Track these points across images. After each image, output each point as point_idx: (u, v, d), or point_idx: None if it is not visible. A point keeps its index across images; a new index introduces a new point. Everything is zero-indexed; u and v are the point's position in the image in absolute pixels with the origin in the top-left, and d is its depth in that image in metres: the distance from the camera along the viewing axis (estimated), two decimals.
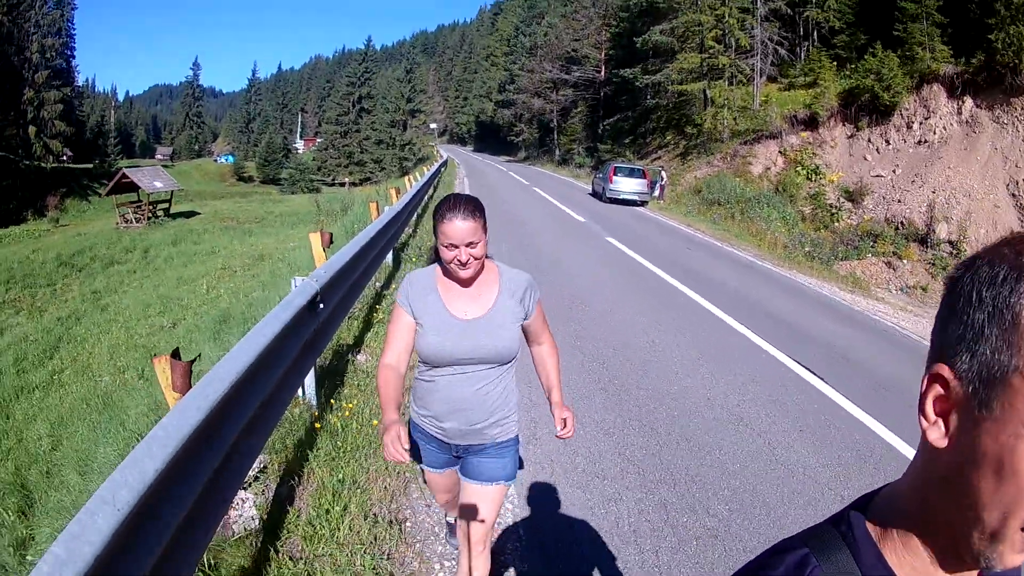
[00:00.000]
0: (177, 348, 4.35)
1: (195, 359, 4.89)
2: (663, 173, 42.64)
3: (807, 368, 10.34)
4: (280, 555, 4.56)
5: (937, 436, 0.96)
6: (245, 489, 5.24)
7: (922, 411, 0.98)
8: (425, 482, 4.65)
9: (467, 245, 3.35)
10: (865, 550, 1.04)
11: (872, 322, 15.50)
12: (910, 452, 7.26)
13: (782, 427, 8.01)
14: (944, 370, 0.95)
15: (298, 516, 5.05)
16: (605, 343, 10.73)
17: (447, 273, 3.57)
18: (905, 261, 28.85)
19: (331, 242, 10.03)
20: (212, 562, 4.28)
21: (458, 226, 3.32)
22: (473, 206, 3.42)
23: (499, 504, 3.83)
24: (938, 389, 0.96)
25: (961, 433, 0.94)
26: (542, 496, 5.98)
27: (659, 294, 14.94)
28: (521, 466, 5.25)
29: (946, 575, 1.00)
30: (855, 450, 7.57)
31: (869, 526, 1.06)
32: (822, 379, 9.90)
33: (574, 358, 9.76)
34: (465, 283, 3.56)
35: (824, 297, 17.79)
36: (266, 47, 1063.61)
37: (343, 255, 8.07)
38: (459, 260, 3.38)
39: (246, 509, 4.99)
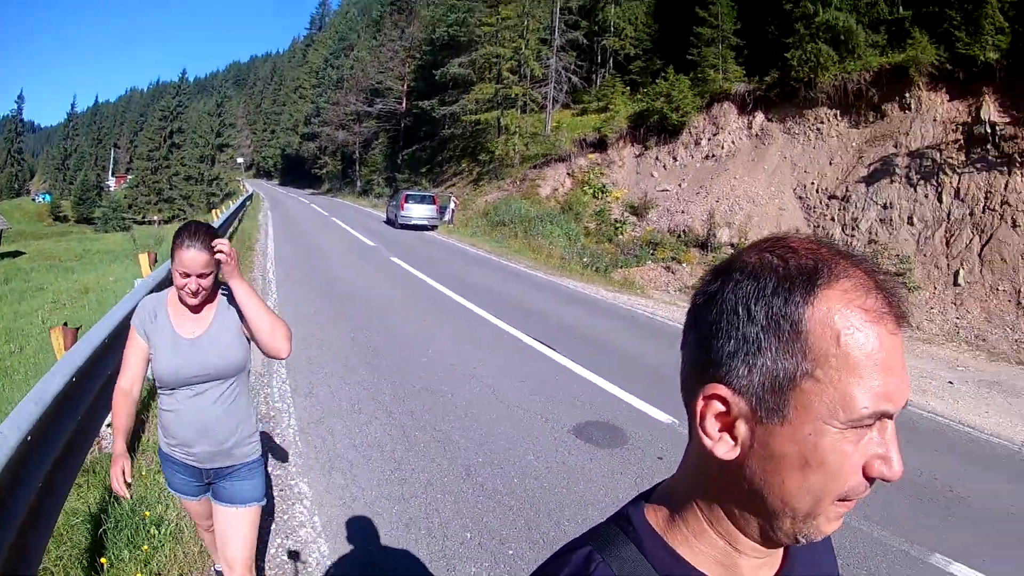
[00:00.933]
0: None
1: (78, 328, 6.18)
2: (453, 199, 44.48)
3: (543, 343, 12.77)
4: None
5: (726, 450, 0.98)
6: None
7: (703, 430, 0.99)
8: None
9: (199, 276, 3.51)
10: (650, 542, 1.05)
11: (624, 312, 18.12)
12: (613, 389, 10.08)
13: (508, 381, 10.37)
14: (720, 389, 0.97)
15: None
16: (378, 334, 12.98)
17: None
18: (685, 264, 28.93)
19: (156, 260, 11.41)
20: None
21: (194, 256, 3.47)
22: (212, 238, 3.54)
23: (256, 526, 3.94)
24: (717, 407, 0.98)
25: (754, 442, 0.96)
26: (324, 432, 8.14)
27: (431, 299, 17.40)
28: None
29: (752, 557, 1.04)
30: (567, 391, 9.96)
31: (651, 520, 1.08)
32: (553, 349, 12.36)
33: (351, 348, 11.93)
34: (194, 310, 3.69)
35: (584, 296, 20.43)
36: (86, 78, 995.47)
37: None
38: (189, 289, 3.53)
39: None
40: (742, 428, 0.97)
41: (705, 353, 0.99)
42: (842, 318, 0.91)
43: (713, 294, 0.99)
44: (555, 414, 9.05)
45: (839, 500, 0.95)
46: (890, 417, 0.94)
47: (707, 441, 0.98)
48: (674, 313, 18.46)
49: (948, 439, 9.60)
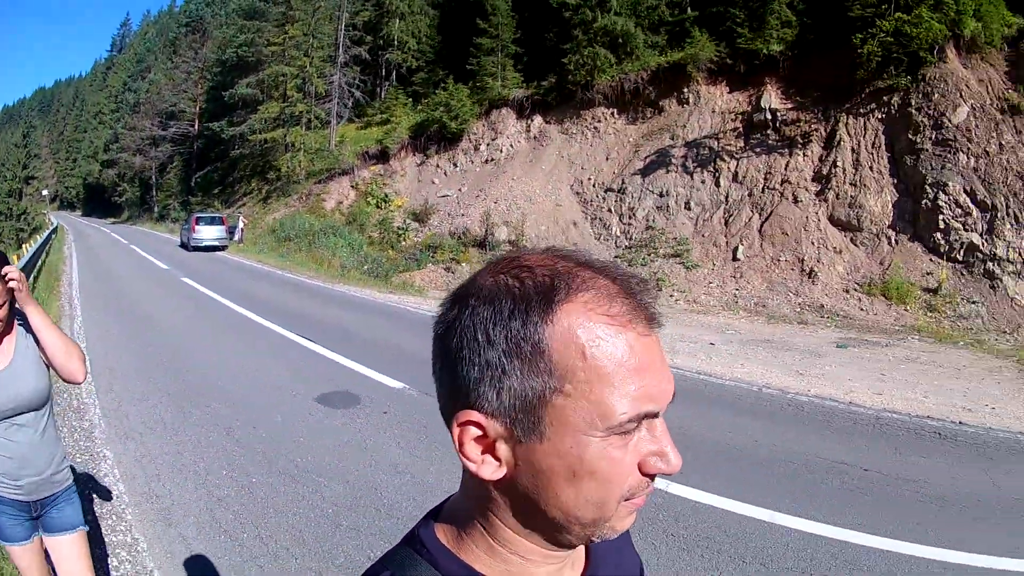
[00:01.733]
0: None
1: None
2: (241, 218, 44.38)
3: (307, 338, 13.81)
4: None
5: (491, 471, 0.93)
6: None
7: (465, 455, 0.94)
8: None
9: None
10: (444, 560, 1.00)
11: (392, 309, 19.19)
12: (356, 366, 11.55)
13: (275, 369, 11.66)
14: (472, 415, 0.92)
15: None
16: (169, 345, 13.68)
17: None
18: (464, 264, 28.54)
19: None
20: None
21: None
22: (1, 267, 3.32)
23: (88, 549, 3.84)
24: (473, 431, 0.93)
25: (518, 461, 0.91)
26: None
27: (217, 313, 17.93)
28: None
29: (548, 564, 0.99)
30: (319, 372, 11.32)
31: (443, 539, 1.03)
32: (314, 341, 13.48)
33: (141, 353, 12.79)
34: None
35: (357, 298, 21.35)
36: None
37: None
38: None
39: None
40: (503, 449, 0.90)
41: (453, 380, 0.92)
42: (585, 331, 0.86)
43: (452, 322, 0.92)
44: (306, 389, 10.23)
45: (626, 500, 0.91)
46: (656, 416, 0.90)
47: (471, 465, 0.92)
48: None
49: (699, 392, 10.62)
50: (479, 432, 0.91)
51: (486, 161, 34.62)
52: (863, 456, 7.68)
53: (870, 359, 13.67)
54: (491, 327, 0.87)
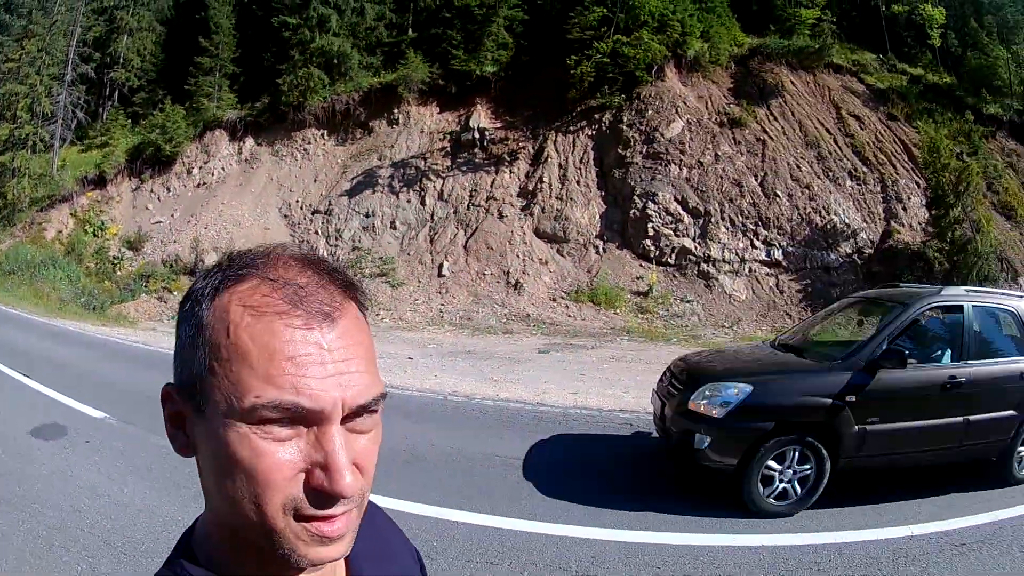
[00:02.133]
0: None
1: None
2: None
3: (21, 373, 12.77)
4: None
5: (178, 446, 0.93)
6: None
7: (166, 430, 0.94)
8: None
9: None
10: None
11: (101, 342, 18.21)
12: (63, 398, 11.10)
13: None
14: (168, 389, 0.93)
15: None
16: None
17: None
18: (175, 292, 27.15)
19: None
20: None
21: None
22: None
23: None
24: (170, 406, 0.93)
25: (195, 440, 0.91)
26: None
27: None
28: None
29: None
30: (32, 404, 10.80)
31: (200, 556, 0.98)
32: (27, 376, 12.54)
33: None
34: None
35: (71, 332, 19.84)
36: None
37: None
38: None
39: None
40: (190, 425, 0.90)
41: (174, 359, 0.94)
42: (236, 312, 0.87)
43: (178, 313, 0.96)
44: (21, 422, 9.55)
45: (298, 518, 0.85)
46: (322, 422, 0.85)
47: (171, 441, 0.93)
48: (148, 338, 18.93)
49: (386, 404, 8.46)
50: (174, 408, 0.91)
51: (198, 185, 32.59)
52: (542, 451, 8.10)
53: (572, 361, 14.41)
54: (186, 306, 0.90)
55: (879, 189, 29.71)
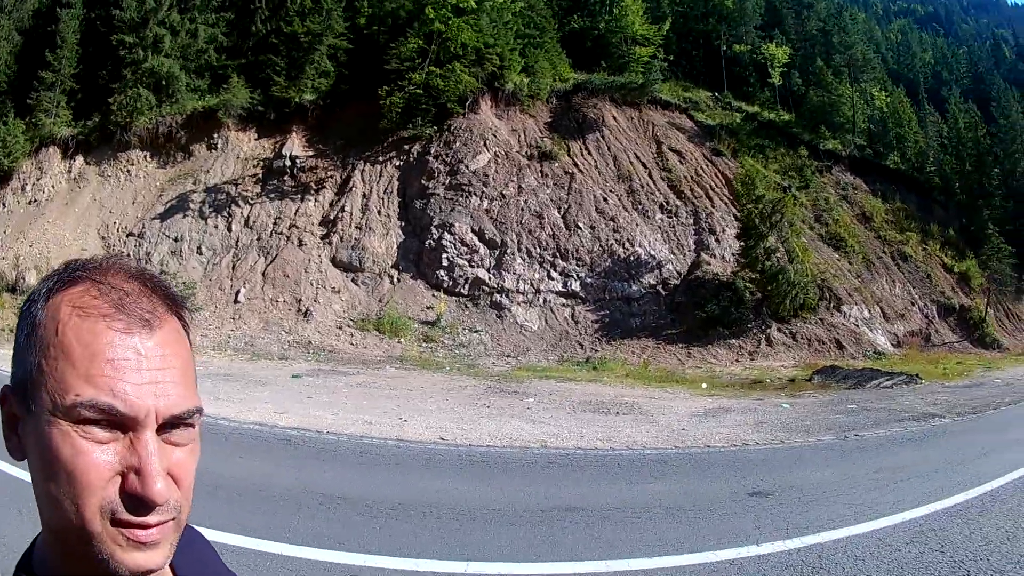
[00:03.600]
0: None
1: None
2: None
3: None
4: None
5: (11, 448, 0.93)
6: None
7: (3, 431, 0.96)
8: None
9: None
10: None
11: None
12: None
13: None
14: (7, 388, 0.94)
15: None
16: None
17: None
18: None
19: None
20: None
21: None
22: None
23: None
24: (6, 408, 0.94)
25: (25, 442, 0.91)
26: None
27: None
28: None
29: None
30: None
31: (39, 571, 0.99)
32: None
33: None
34: None
35: None
36: None
37: None
38: None
39: None
40: (22, 426, 0.92)
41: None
42: (65, 312, 0.90)
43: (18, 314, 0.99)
44: None
45: (115, 523, 0.86)
46: (137, 428, 0.88)
47: (5, 443, 0.93)
48: None
49: None
50: (8, 409, 0.93)
51: (30, 202, 31.68)
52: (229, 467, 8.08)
53: (317, 386, 14.88)
54: (25, 309, 0.94)
55: (691, 221, 30.51)
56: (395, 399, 13.97)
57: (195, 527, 1.08)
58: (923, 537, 6.53)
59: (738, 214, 29.51)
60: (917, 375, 22.83)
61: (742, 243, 28.56)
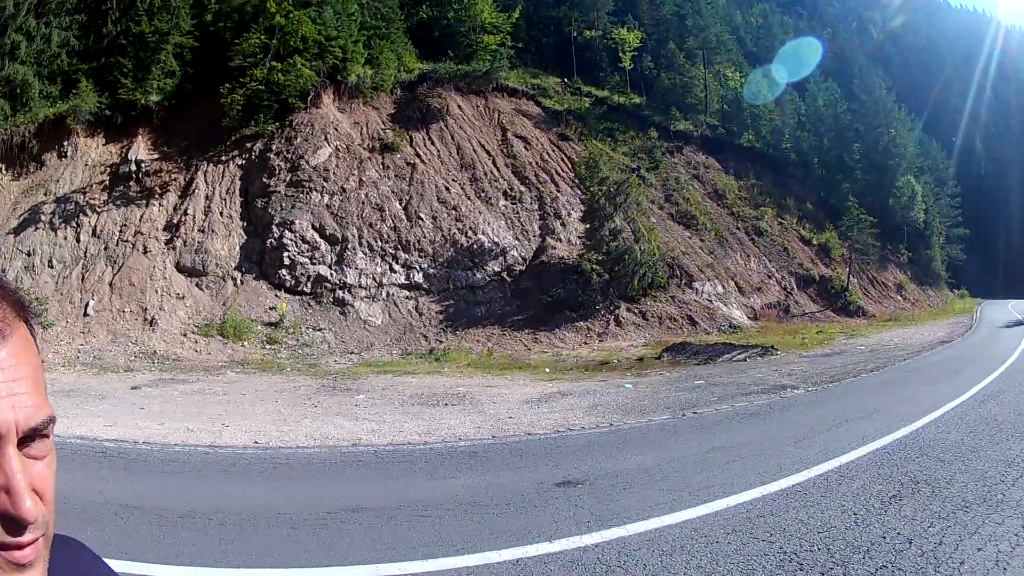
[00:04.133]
0: None
1: None
2: None
3: None
4: None
5: None
6: None
7: None
8: None
9: None
10: None
11: None
12: None
13: None
14: None
15: None
16: None
17: None
18: None
19: None
20: None
21: None
22: None
23: None
24: None
25: None
26: None
27: None
28: None
29: None
30: None
31: None
32: None
33: None
34: None
35: None
36: None
37: None
38: None
39: None
40: None
41: None
42: None
43: None
44: None
45: None
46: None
47: None
48: None
49: None
50: None
51: None
52: None
53: (154, 396, 14.59)
54: None
55: (536, 207, 31.54)
56: (225, 404, 13.86)
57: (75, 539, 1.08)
58: (748, 525, 6.04)
59: (584, 197, 30.47)
60: (773, 346, 23.67)
61: (587, 225, 29.33)
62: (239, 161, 27.67)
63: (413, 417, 12.22)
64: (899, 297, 52.43)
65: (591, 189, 29.59)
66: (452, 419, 11.96)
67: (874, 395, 14.23)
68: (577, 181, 32.04)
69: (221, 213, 26.08)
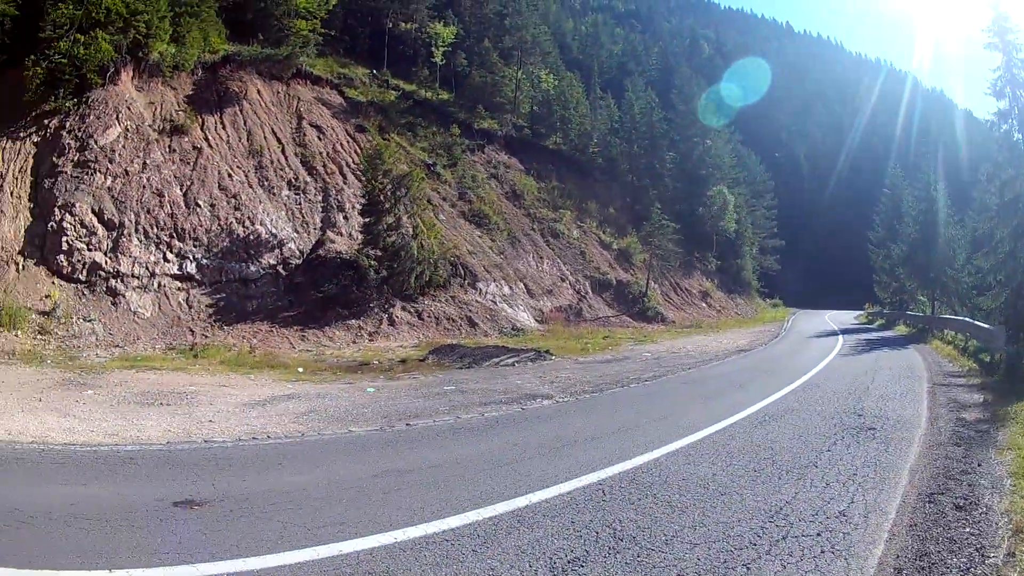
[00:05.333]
0: None
1: None
2: None
3: None
4: None
5: None
6: None
7: None
8: None
9: None
10: None
11: None
12: None
13: None
14: None
15: None
16: None
17: None
18: None
19: None
20: None
21: None
22: None
23: None
24: None
25: None
26: None
27: None
28: None
29: None
30: None
31: None
32: None
33: None
34: None
35: None
36: None
37: None
38: None
39: None
40: None
41: None
42: None
43: None
44: None
45: None
46: None
47: None
48: None
49: None
50: None
51: None
52: None
53: None
54: None
55: (321, 198, 32.63)
56: None
57: None
58: (404, 569, 5.36)
59: (366, 190, 31.29)
60: (548, 351, 23.92)
61: (367, 220, 30.13)
62: (35, 139, 27.32)
63: (120, 416, 11.91)
64: (704, 304, 56.05)
65: (373, 182, 30.14)
66: (151, 420, 11.55)
67: (633, 409, 13.54)
68: (361, 173, 32.82)
69: (12, 193, 25.65)
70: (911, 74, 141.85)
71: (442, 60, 53.42)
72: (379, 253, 29.68)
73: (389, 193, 30.19)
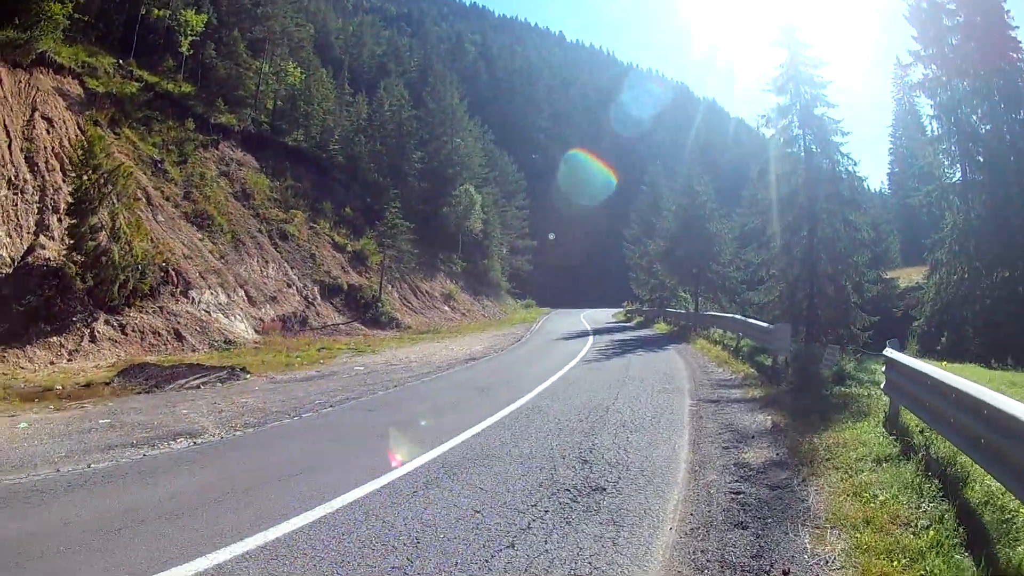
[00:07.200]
0: None
1: None
2: None
3: None
4: None
5: None
6: None
7: None
8: None
9: None
10: None
11: None
12: None
13: None
14: None
15: None
16: None
17: None
18: None
19: None
20: None
21: None
22: None
23: None
24: None
25: None
26: None
27: None
28: None
29: None
30: None
31: None
32: None
33: None
34: None
35: None
36: None
37: None
38: None
39: None
40: None
41: None
42: None
43: None
44: None
45: None
46: None
47: None
48: None
49: None
50: None
51: None
52: None
53: None
54: None
55: (38, 198, 31.53)
56: None
57: None
58: None
59: (74, 188, 29.27)
60: (243, 368, 22.19)
61: (74, 221, 27.99)
62: None
63: None
64: (447, 307, 58.32)
65: (82, 178, 28.34)
66: None
67: (281, 449, 10.70)
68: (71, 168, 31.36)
69: None
70: (685, 83, 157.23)
71: (189, 50, 53.38)
72: (83, 259, 27.65)
73: (96, 191, 28.62)
